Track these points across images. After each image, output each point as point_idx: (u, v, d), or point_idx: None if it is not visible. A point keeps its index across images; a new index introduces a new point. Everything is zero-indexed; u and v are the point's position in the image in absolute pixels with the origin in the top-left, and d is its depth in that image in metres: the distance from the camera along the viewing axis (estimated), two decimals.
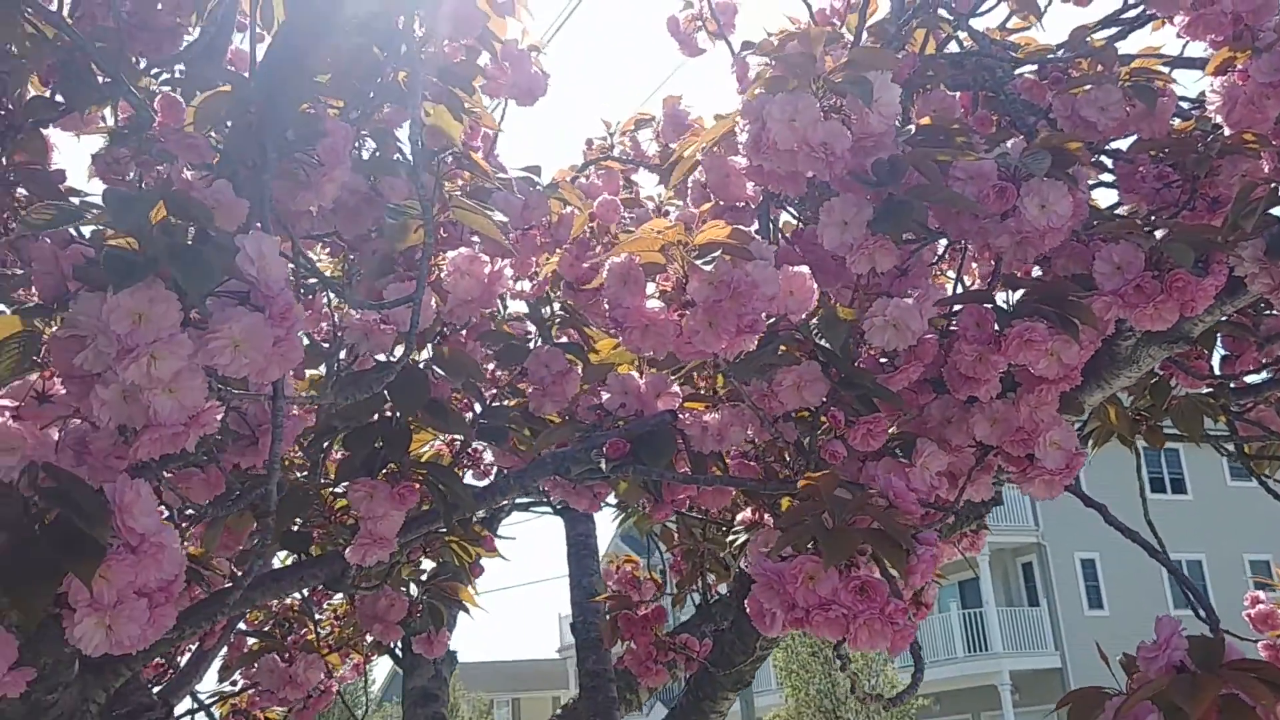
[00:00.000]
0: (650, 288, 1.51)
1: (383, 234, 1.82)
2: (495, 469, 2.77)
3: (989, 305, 1.60)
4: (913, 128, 1.63)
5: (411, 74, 1.64)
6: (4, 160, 1.75)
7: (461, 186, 2.27)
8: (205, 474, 1.60)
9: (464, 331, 2.11)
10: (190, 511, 1.61)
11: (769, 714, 18.75)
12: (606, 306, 1.50)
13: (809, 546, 1.27)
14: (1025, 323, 1.53)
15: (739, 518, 2.36)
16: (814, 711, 17.88)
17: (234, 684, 3.02)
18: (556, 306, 2.72)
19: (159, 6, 1.75)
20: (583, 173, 3.29)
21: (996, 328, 1.55)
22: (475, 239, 1.99)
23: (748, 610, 1.34)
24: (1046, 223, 1.56)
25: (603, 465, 1.76)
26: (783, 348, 1.64)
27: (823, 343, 1.59)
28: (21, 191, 1.76)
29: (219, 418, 1.24)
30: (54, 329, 1.18)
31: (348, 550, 1.74)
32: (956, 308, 1.70)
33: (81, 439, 1.27)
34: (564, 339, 2.40)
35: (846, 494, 1.32)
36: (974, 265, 2.04)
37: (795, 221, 2.16)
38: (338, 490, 1.93)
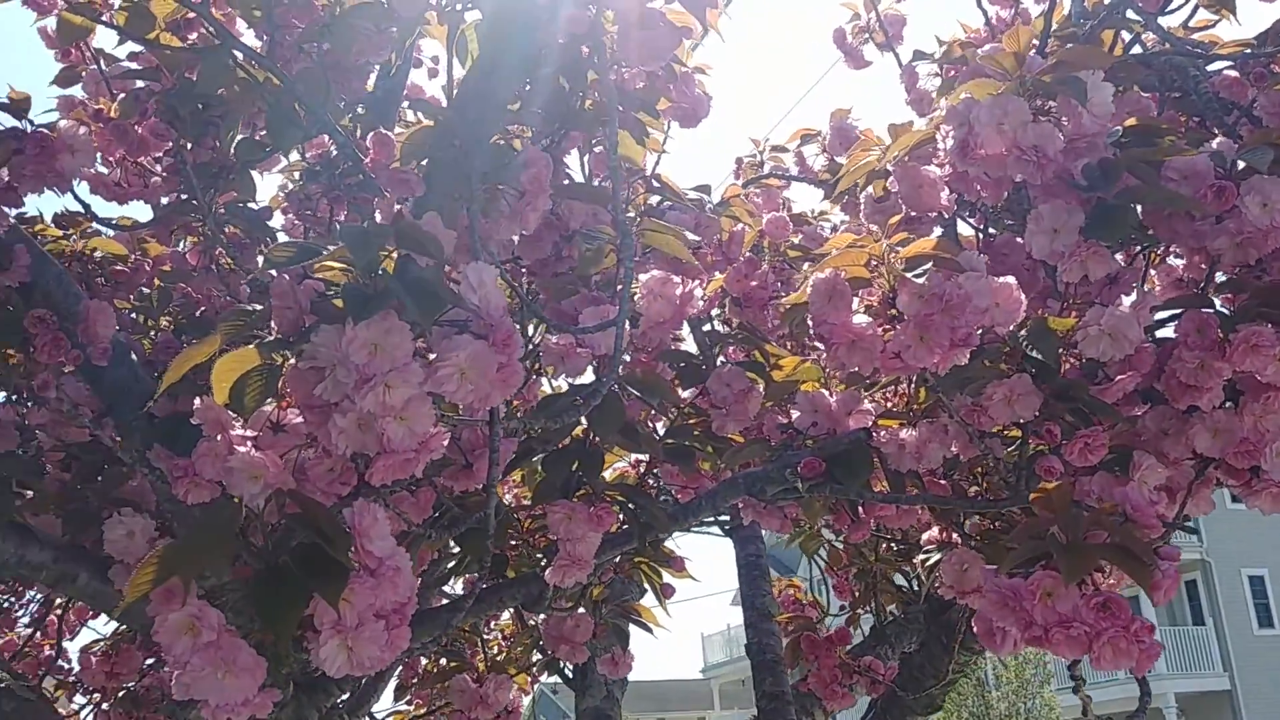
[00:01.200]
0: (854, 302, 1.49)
1: (578, 260, 1.84)
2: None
3: (1209, 310, 1.53)
4: (1120, 129, 1.58)
5: (607, 102, 1.66)
6: (216, 199, 1.83)
7: (635, 208, 2.29)
8: (415, 497, 1.64)
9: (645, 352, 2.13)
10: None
11: None
12: (810, 323, 1.49)
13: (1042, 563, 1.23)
14: (1251, 326, 1.46)
15: (925, 537, 2.31)
16: None
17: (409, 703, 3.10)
18: (717, 324, 2.72)
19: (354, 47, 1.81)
20: (745, 190, 3.29)
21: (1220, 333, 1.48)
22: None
23: (975, 629, 1.30)
24: (1270, 222, 1.49)
25: (799, 486, 1.74)
26: (986, 361, 1.59)
27: (1033, 354, 1.54)
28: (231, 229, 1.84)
29: (444, 443, 1.27)
30: (292, 361, 1.22)
31: (547, 572, 1.75)
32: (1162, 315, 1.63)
33: (300, 466, 1.31)
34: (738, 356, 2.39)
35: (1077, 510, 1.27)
36: (1154, 272, 1.96)
37: (974, 232, 2.11)
38: (534, 512, 1.95)
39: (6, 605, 3.43)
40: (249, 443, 1.27)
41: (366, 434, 1.22)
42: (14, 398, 1.52)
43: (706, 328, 2.61)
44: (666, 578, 2.16)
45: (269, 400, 1.28)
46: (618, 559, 2.03)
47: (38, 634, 3.47)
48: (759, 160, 3.61)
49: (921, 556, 2.25)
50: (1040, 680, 17.39)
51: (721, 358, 2.37)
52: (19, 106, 1.60)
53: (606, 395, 1.73)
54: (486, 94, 1.67)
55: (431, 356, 1.24)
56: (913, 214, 1.78)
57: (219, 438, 1.29)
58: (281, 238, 2.40)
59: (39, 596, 3.47)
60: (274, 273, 1.26)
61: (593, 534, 1.74)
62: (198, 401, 1.30)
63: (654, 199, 2.40)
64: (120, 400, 1.64)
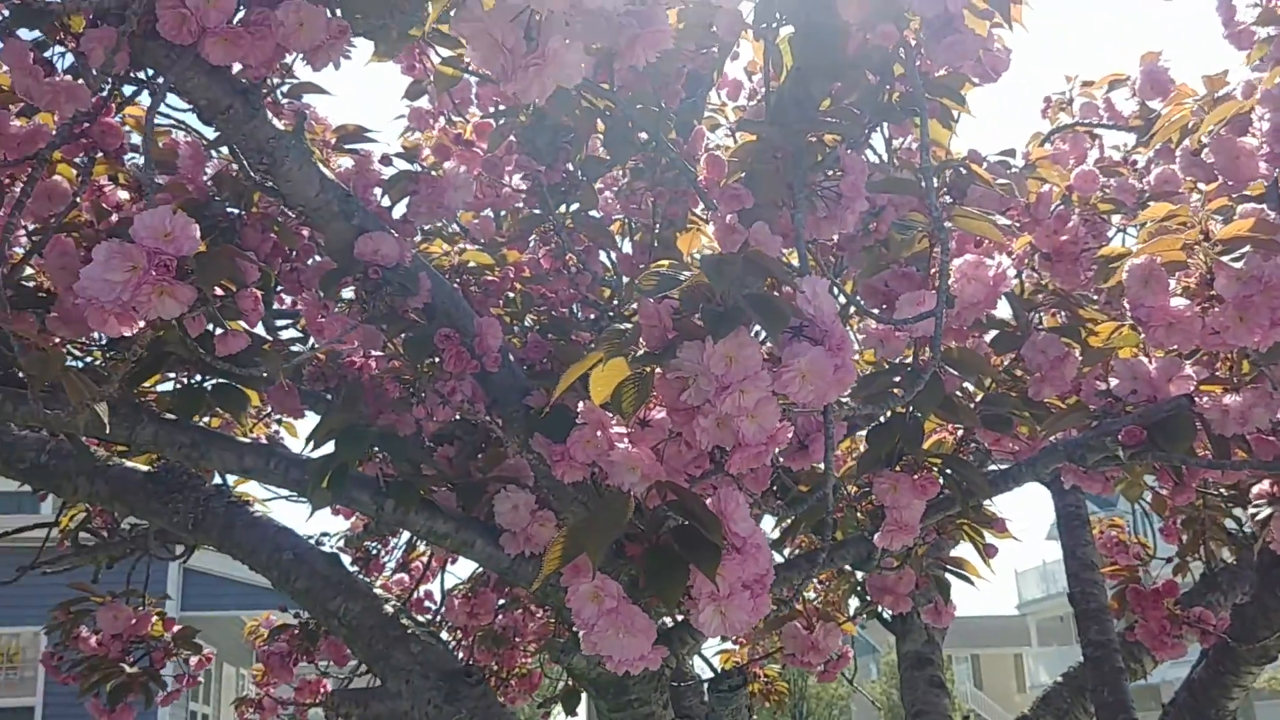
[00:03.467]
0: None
1: (887, 245, 1.97)
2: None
3: None
4: None
5: (915, 95, 1.77)
6: (566, 211, 2.08)
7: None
8: (755, 473, 1.84)
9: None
10: None
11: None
12: (1127, 305, 1.56)
13: None
14: None
15: (1255, 490, 2.30)
16: None
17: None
18: (1026, 282, 2.75)
19: (677, 68, 2.00)
20: (1050, 139, 3.27)
21: None
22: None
23: None
24: None
25: (1120, 453, 1.80)
26: None
27: None
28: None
29: (789, 436, 1.45)
30: (659, 371, 1.44)
31: (876, 535, 1.92)
32: None
33: (664, 455, 1.54)
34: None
35: None
36: None
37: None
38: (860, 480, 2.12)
39: (375, 552, 3.97)
40: (625, 439, 1.50)
41: (724, 430, 1.42)
42: (421, 397, 1.83)
43: (1015, 282, 2.66)
44: (988, 538, 2.27)
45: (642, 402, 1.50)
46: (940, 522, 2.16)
47: (404, 576, 4.00)
48: (1068, 98, 3.56)
49: (1252, 510, 2.24)
50: None
51: (1036, 322, 2.42)
52: (411, 153, 1.90)
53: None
54: (803, 100, 1.82)
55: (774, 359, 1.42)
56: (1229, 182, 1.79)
57: (600, 434, 1.54)
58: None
59: (402, 544, 4.00)
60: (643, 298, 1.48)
61: (917, 501, 1.89)
62: (581, 405, 1.55)
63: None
64: (504, 396, 1.94)
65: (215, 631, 11.94)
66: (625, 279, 2.55)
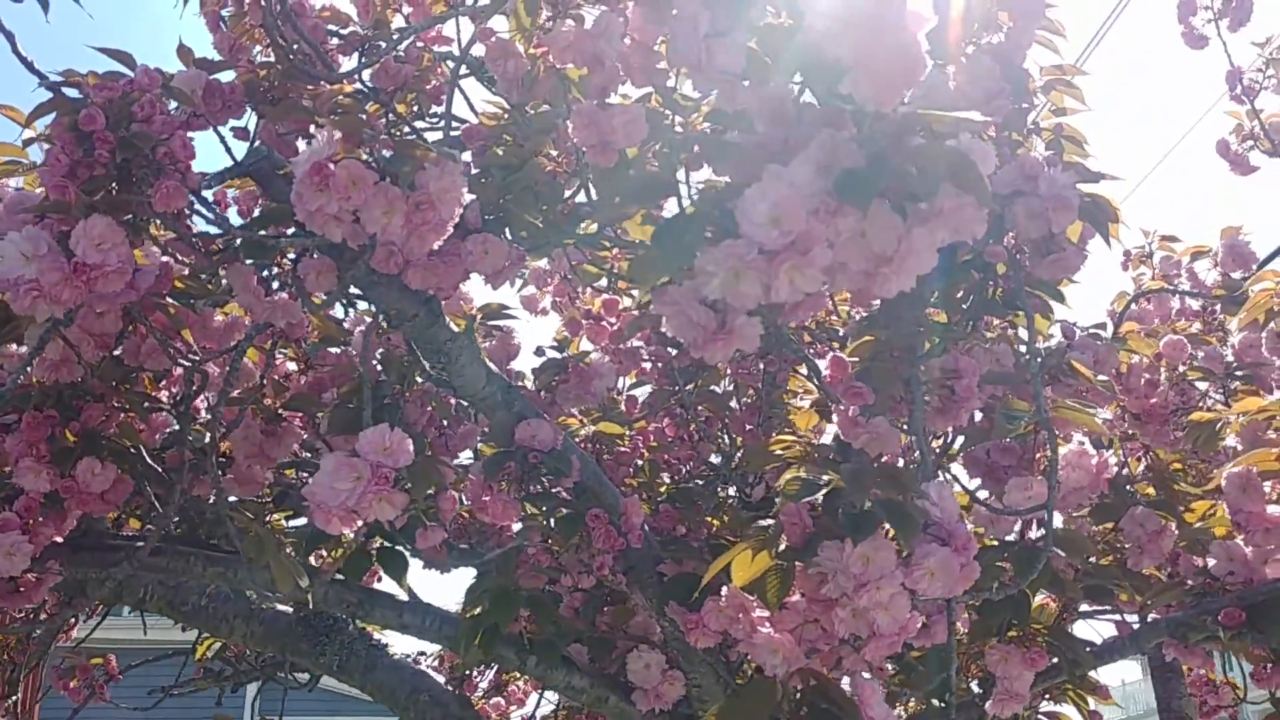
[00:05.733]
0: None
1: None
2: None
3: None
4: None
5: (1018, 294, 1.96)
6: (694, 387, 2.28)
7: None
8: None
9: None
10: None
11: None
12: (1226, 511, 1.70)
13: None
14: None
15: None
16: None
17: None
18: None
19: None
20: (1134, 302, 3.43)
21: None
22: None
23: None
24: None
25: (1221, 634, 1.93)
26: None
27: None
28: None
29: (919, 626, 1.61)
30: (799, 565, 1.62)
31: (988, 704, 2.05)
32: None
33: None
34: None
35: None
36: None
37: None
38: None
39: (468, 674, 4.14)
40: (767, 624, 1.68)
41: (859, 621, 1.59)
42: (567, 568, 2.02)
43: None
44: (1092, 704, 2.38)
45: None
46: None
47: (501, 700, 4.17)
48: (1147, 252, 3.73)
49: None
50: None
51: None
52: (561, 342, 2.13)
53: (1035, 554, 2.01)
54: (914, 299, 2.02)
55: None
56: None
57: (742, 617, 1.72)
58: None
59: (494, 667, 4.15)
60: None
61: (1028, 672, 2.03)
62: (724, 590, 1.73)
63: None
64: (639, 563, 2.12)
65: None
66: (736, 438, 2.74)
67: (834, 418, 1.93)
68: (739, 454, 2.61)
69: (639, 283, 1.12)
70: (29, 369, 1.59)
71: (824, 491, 1.59)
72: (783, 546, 1.63)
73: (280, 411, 2.30)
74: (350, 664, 2.61)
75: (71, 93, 1.58)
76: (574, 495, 2.02)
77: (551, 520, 1.97)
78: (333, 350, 2.42)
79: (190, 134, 1.68)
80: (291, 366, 2.49)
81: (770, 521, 1.70)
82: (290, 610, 2.74)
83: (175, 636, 4.09)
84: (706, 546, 2.14)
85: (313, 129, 1.82)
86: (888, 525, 1.56)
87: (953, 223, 1.13)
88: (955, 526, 1.59)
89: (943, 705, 1.80)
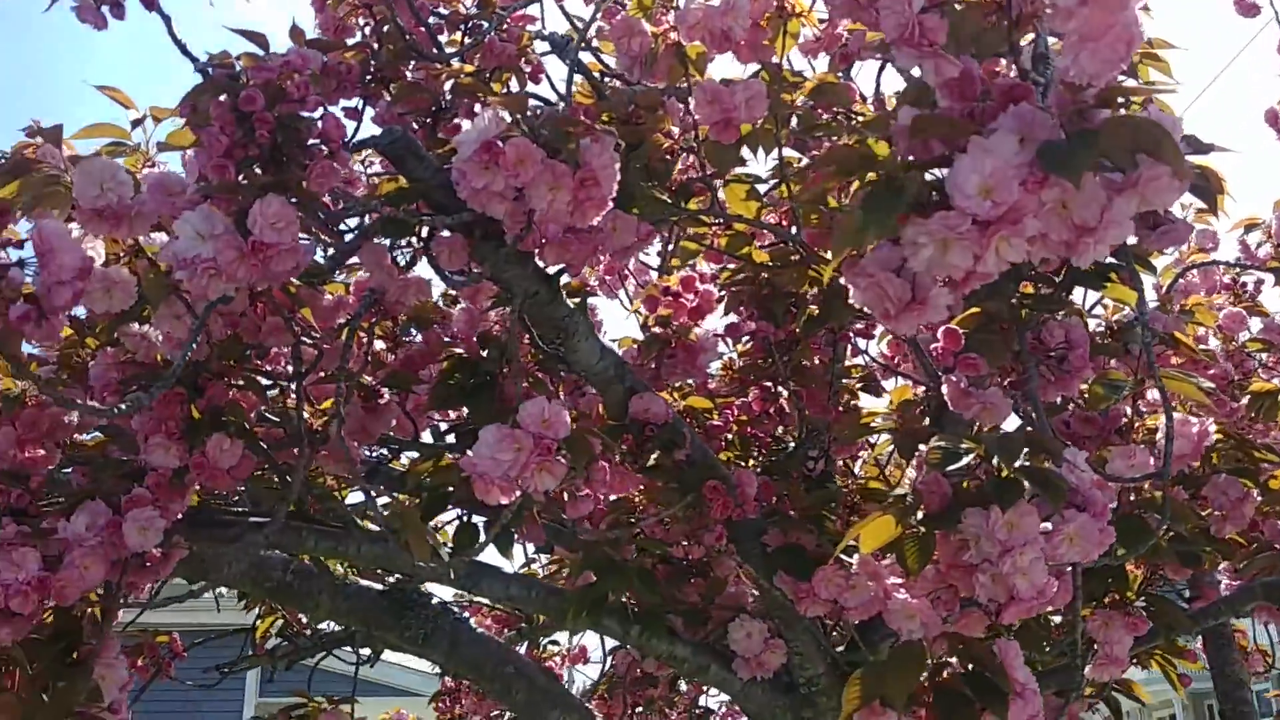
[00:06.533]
0: None
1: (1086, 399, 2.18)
2: None
3: None
4: None
5: (1116, 267, 2.00)
6: (786, 362, 2.32)
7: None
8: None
9: None
10: None
11: None
12: None
13: None
14: None
15: None
16: None
17: None
18: None
19: None
20: (1183, 275, 3.48)
21: None
22: None
23: None
24: None
25: None
26: None
27: None
28: None
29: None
30: (943, 535, 1.66)
31: (1088, 668, 2.10)
32: None
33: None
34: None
35: None
36: None
37: None
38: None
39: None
40: (901, 589, 1.72)
41: (998, 586, 1.63)
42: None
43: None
44: (1180, 668, 2.44)
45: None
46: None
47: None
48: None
49: None
50: None
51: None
52: (664, 319, 2.17)
53: (1134, 520, 2.06)
54: (1013, 271, 2.06)
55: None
56: None
57: (874, 584, 1.76)
58: None
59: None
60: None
61: (1128, 637, 2.08)
62: (856, 557, 1.78)
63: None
64: (742, 534, 2.16)
65: None
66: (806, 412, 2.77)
67: (944, 389, 1.97)
68: (808, 429, 2.64)
69: (837, 249, 1.14)
70: (193, 345, 1.60)
71: (968, 459, 1.63)
72: (923, 515, 1.67)
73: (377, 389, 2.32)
74: (435, 638, 2.64)
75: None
76: (687, 467, 2.05)
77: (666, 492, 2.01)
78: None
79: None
80: (378, 345, 2.51)
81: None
82: (375, 586, 2.77)
83: (212, 620, 4.13)
84: (807, 519, 2.18)
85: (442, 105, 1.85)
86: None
87: (1148, 192, 1.16)
88: (1092, 493, 1.63)
89: (1071, 666, 1.84)
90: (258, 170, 1.58)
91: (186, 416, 1.90)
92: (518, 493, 1.55)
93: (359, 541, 2.20)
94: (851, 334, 2.73)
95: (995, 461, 1.64)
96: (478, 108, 1.82)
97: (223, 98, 1.50)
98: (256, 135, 1.51)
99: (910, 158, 1.23)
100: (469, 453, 1.55)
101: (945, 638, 1.63)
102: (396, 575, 2.71)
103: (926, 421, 2.28)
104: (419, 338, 2.42)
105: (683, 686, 4.03)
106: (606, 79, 2.13)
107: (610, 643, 3.82)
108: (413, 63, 1.98)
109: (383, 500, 2.72)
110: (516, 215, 1.54)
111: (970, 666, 1.60)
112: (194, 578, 2.34)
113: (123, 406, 1.51)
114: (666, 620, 2.24)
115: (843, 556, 2.02)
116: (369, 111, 2.05)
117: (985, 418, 1.92)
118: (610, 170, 1.51)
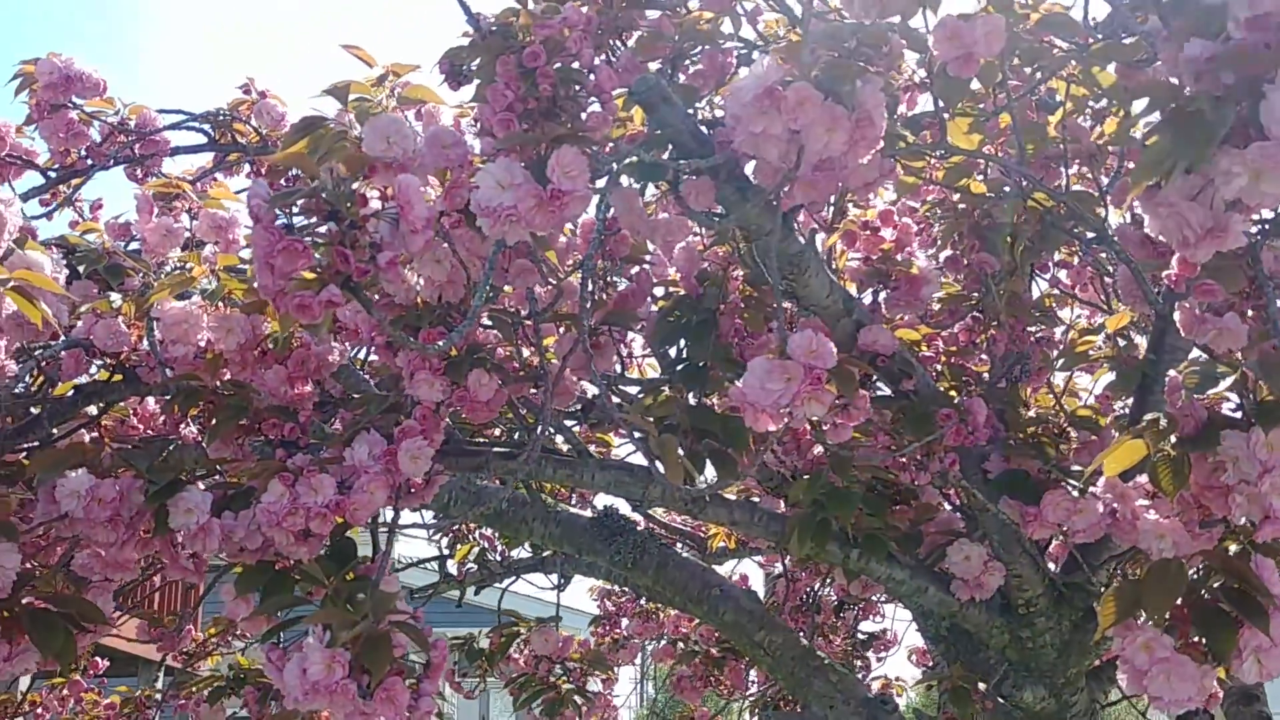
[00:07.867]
0: None
1: None
2: None
3: None
4: None
5: None
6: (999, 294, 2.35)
7: None
8: None
9: None
10: None
11: None
12: None
13: None
14: None
15: None
16: None
17: None
18: None
19: None
20: None
21: None
22: None
23: None
24: None
25: None
26: None
27: None
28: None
29: None
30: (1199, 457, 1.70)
31: None
32: None
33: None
34: None
35: None
36: None
37: None
38: None
39: None
40: (1150, 509, 1.77)
41: (1255, 505, 1.67)
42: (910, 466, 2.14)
43: None
44: None
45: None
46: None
47: None
48: None
49: None
50: None
51: None
52: (886, 260, 2.24)
53: None
54: None
55: None
56: None
57: (1123, 505, 1.82)
58: None
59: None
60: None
61: None
62: (1102, 481, 1.83)
63: None
64: (968, 460, 2.22)
65: None
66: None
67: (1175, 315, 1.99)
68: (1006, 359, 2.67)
69: (1139, 178, 1.18)
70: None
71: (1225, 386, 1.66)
72: (1177, 438, 1.71)
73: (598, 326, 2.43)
74: (643, 562, 2.77)
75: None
76: (915, 396, 2.12)
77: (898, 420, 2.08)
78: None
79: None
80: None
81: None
82: (583, 514, 2.92)
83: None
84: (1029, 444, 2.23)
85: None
86: None
87: None
88: None
89: None
90: (533, 122, 1.69)
91: (445, 353, 2.03)
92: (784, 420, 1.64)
93: (592, 469, 2.33)
94: (1050, 264, 2.76)
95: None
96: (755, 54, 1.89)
97: (508, 55, 1.60)
98: (539, 89, 1.61)
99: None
100: (737, 384, 1.65)
101: (1204, 554, 1.67)
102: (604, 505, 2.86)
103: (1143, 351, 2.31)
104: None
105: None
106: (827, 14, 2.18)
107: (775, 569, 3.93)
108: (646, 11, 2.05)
109: None
110: (787, 157, 1.61)
111: (1225, 583, 1.65)
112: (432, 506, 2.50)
113: (439, 345, 1.63)
114: (887, 544, 2.33)
115: (1073, 481, 2.08)
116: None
117: (1221, 343, 1.94)
118: (882, 110, 1.57)
